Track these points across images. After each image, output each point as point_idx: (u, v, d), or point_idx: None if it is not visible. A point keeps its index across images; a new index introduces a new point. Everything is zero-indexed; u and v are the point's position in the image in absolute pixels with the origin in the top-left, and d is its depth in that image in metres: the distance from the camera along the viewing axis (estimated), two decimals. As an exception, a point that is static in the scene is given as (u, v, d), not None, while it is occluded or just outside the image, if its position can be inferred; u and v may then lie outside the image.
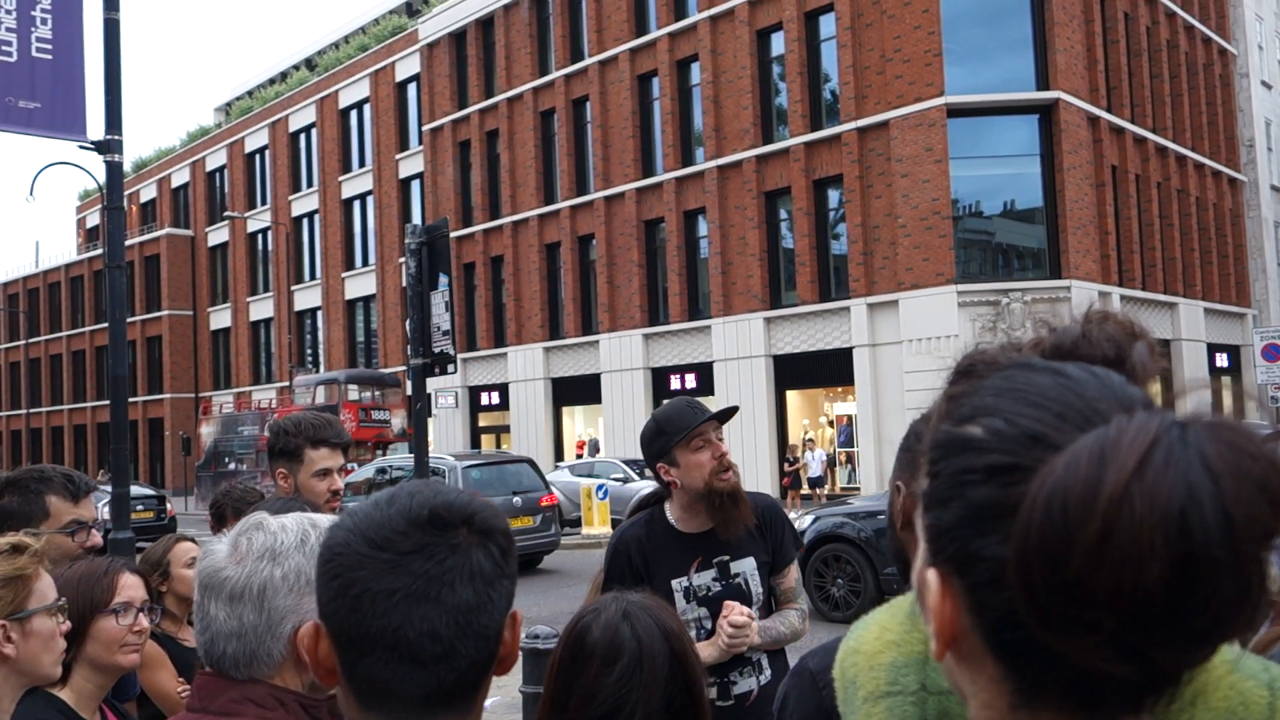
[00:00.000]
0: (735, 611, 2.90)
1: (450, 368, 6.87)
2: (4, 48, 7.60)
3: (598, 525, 19.99)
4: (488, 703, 1.61)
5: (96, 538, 2.85)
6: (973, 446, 0.70)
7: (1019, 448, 0.68)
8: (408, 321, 6.86)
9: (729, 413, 3.10)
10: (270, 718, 1.43)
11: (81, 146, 7.92)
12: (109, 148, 7.88)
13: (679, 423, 3.00)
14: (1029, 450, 0.67)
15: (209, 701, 1.46)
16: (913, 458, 1.67)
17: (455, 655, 1.00)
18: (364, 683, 1.01)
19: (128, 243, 35.09)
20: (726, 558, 3.03)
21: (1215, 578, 0.60)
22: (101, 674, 2.26)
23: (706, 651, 2.89)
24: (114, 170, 8.01)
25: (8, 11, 7.69)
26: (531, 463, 18.15)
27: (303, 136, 44.21)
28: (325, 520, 1.57)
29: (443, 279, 6.75)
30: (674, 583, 3.01)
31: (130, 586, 2.34)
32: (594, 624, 1.68)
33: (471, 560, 1.01)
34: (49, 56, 7.69)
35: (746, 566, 3.04)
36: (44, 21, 7.80)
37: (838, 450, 27.07)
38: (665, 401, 3.40)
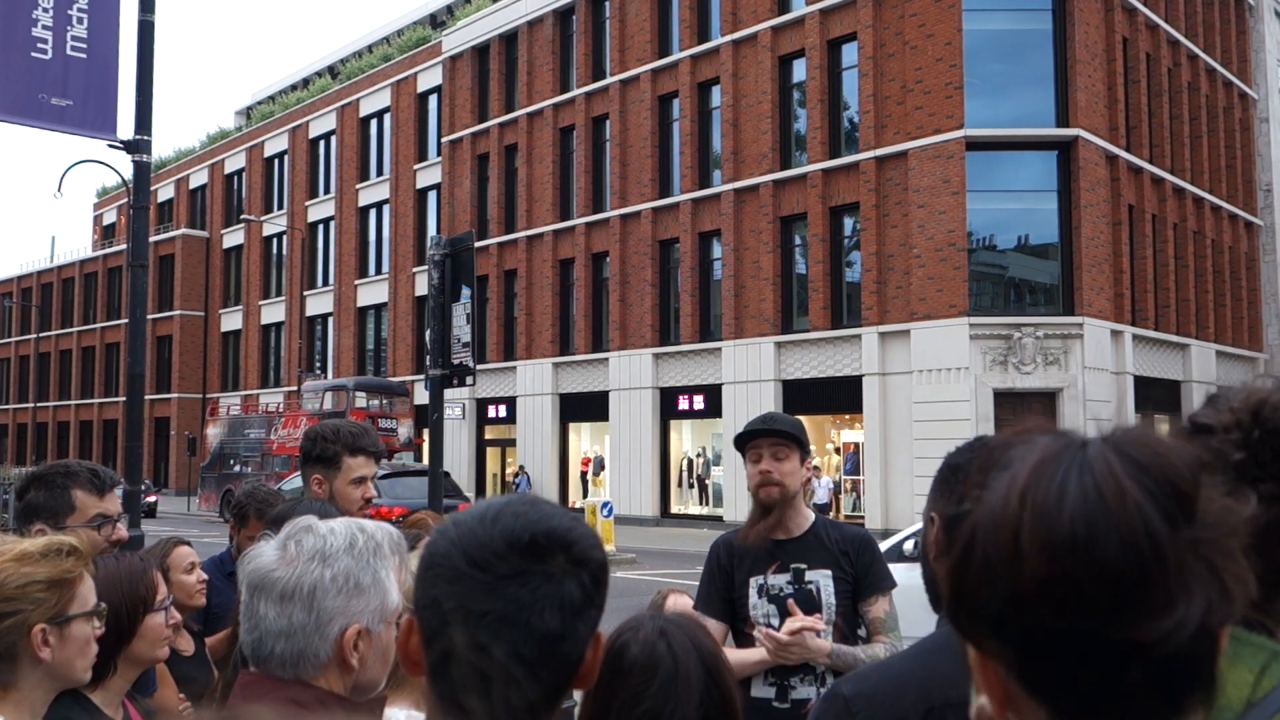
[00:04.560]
0: (794, 620, 3.05)
1: (469, 379, 6.88)
2: (39, 45, 7.67)
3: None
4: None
5: (122, 531, 2.86)
6: (960, 517, 0.79)
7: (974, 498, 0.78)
8: (428, 332, 6.86)
9: (771, 430, 3.23)
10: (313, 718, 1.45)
11: (111, 145, 7.98)
12: (138, 147, 7.94)
13: (742, 434, 3.25)
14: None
15: (252, 701, 1.48)
16: (947, 490, 1.69)
17: (536, 677, 1.04)
18: (445, 688, 1.06)
19: (144, 242, 35.27)
20: (804, 566, 3.20)
21: (1098, 558, 0.69)
22: (136, 669, 2.29)
23: (758, 654, 3.06)
24: (141, 170, 8.07)
25: (44, 9, 7.77)
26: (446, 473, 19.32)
27: (322, 143, 44.43)
28: (372, 525, 1.60)
29: (465, 291, 6.77)
30: (751, 579, 3.21)
31: (162, 583, 2.38)
32: (632, 641, 1.72)
33: (563, 590, 1.05)
34: (83, 55, 7.76)
35: (821, 577, 3.18)
36: (80, 20, 7.87)
37: (843, 478, 27.02)
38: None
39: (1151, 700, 0.72)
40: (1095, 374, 24.06)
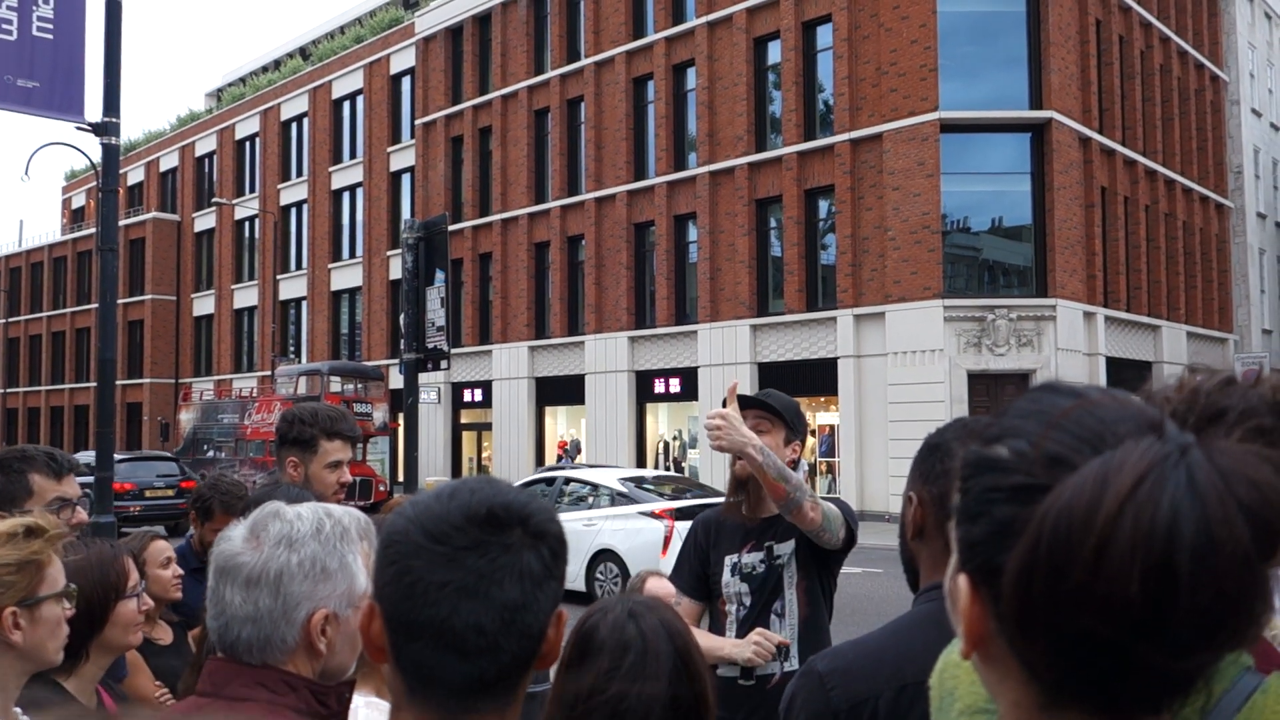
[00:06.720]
0: (770, 639, 3.09)
1: (444, 363, 6.85)
2: (4, 26, 7.55)
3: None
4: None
5: (82, 515, 2.84)
6: (999, 466, 0.75)
7: (1039, 469, 0.72)
8: (403, 316, 6.83)
9: (756, 401, 3.22)
10: (281, 702, 1.44)
11: (79, 128, 7.89)
12: (106, 130, 7.85)
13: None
14: (1048, 471, 0.72)
15: (221, 686, 1.47)
16: (926, 471, 1.70)
17: (498, 649, 1.05)
18: (410, 666, 1.06)
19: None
20: (773, 542, 3.22)
21: (1193, 592, 0.66)
22: (109, 656, 2.29)
23: (731, 649, 3.08)
24: (110, 153, 7.98)
25: (8, -11, 7.64)
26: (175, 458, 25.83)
27: (294, 125, 44.04)
28: (340, 510, 1.59)
29: (439, 275, 6.74)
30: (726, 559, 3.24)
31: (133, 569, 2.37)
32: (601, 623, 1.73)
33: (522, 561, 1.06)
34: (49, 36, 7.65)
35: (787, 549, 3.20)
36: (45, 1, 7.76)
37: (819, 460, 27.14)
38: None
39: (1139, 695, 0.71)
40: (1068, 355, 24.23)
